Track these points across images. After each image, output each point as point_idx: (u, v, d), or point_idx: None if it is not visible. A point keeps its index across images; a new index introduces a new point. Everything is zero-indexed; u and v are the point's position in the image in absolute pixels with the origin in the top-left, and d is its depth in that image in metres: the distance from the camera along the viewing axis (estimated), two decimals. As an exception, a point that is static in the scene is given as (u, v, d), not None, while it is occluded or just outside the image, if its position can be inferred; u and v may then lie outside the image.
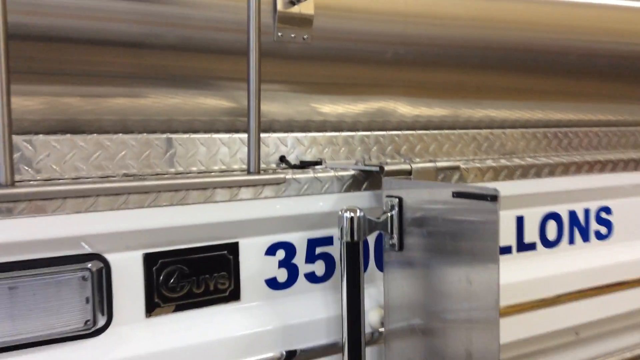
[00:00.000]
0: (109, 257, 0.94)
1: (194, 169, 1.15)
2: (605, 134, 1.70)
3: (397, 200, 1.04)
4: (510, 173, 1.36)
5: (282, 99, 1.29)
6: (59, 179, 1.00)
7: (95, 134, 1.06)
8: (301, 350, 1.10)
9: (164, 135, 1.13)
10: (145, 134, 1.11)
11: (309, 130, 1.33)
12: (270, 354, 1.06)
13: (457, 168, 1.22)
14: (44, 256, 0.88)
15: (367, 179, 1.16)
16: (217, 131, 1.21)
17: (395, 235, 1.04)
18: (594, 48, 1.64)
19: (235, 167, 1.19)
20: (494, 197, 0.88)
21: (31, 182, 0.96)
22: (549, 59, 1.58)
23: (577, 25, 1.61)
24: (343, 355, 1.06)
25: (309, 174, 1.12)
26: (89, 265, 0.91)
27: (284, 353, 1.08)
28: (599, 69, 1.68)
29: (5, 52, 0.84)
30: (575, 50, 1.61)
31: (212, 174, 1.11)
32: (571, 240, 1.48)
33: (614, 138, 1.68)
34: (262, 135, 1.19)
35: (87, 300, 0.91)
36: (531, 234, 1.41)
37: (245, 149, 1.14)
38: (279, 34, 1.24)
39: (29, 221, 0.87)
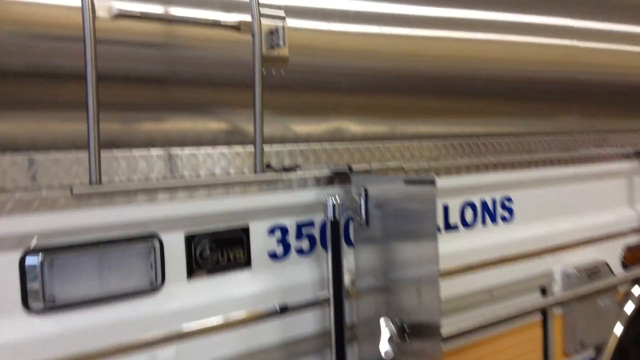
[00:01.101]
0: (162, 236, 1.29)
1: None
2: (506, 142, 2.20)
3: (363, 190, 1.46)
4: (437, 172, 1.80)
5: (265, 119, 1.68)
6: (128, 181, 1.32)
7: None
8: (292, 305, 1.48)
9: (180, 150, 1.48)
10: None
11: (285, 143, 1.71)
12: (271, 306, 1.44)
13: (402, 168, 1.66)
14: (122, 235, 1.23)
15: (337, 177, 1.57)
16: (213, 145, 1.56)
17: (363, 216, 1.46)
18: (496, 75, 2.13)
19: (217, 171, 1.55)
20: (432, 181, 1.31)
21: (109, 182, 1.29)
22: (461, 86, 2.05)
23: (483, 57, 2.09)
24: (329, 306, 1.46)
25: (296, 174, 1.52)
26: (151, 242, 1.27)
27: (280, 306, 1.46)
28: (499, 92, 2.18)
29: (93, 64, 1.16)
30: (481, 78, 2.09)
31: (228, 176, 1.48)
32: (483, 223, 1.94)
33: (512, 145, 2.18)
34: (248, 148, 1.56)
35: (151, 266, 1.26)
36: (454, 218, 1.87)
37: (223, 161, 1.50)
38: (263, 70, 1.63)
39: (112, 210, 1.21)
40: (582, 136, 2.42)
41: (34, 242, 1.13)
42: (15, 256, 1.12)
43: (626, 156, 2.40)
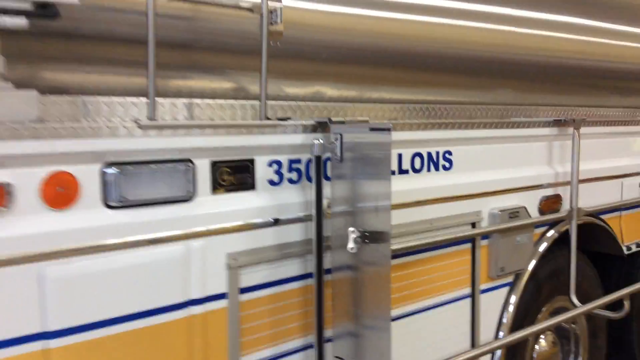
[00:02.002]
0: (195, 161, 1.79)
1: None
2: (450, 108, 2.73)
3: (339, 135, 1.97)
4: (394, 128, 2.33)
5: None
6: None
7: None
8: (283, 219, 1.99)
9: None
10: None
11: (277, 100, 2.20)
12: (268, 218, 1.95)
13: (367, 121, 2.18)
14: (169, 157, 1.72)
15: (319, 126, 2.08)
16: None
17: (338, 154, 1.98)
18: (445, 54, 2.65)
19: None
20: (388, 128, 1.83)
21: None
22: (417, 61, 2.56)
23: (435, 38, 2.59)
24: (312, 221, 1.98)
25: (288, 123, 2.02)
26: (188, 164, 1.76)
27: (274, 219, 1.97)
28: (447, 68, 2.70)
29: (153, 31, 1.62)
30: (433, 55, 2.61)
31: (241, 121, 1.96)
32: (428, 169, 2.48)
33: (455, 111, 2.70)
34: (250, 102, 2.03)
35: (188, 181, 1.75)
36: (406, 165, 2.41)
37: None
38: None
39: (162, 139, 1.70)
40: (513, 107, 2.99)
41: (108, 158, 1.62)
42: (97, 167, 1.60)
43: (547, 124, 2.98)
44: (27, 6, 1.46)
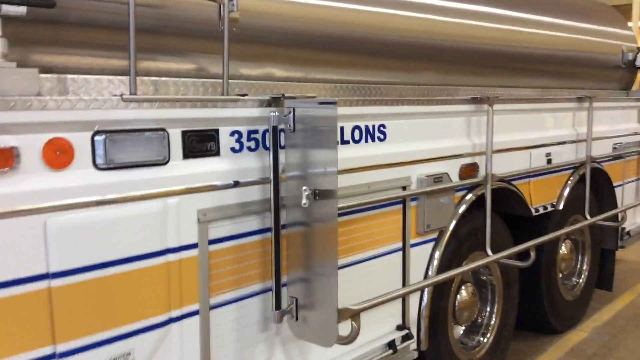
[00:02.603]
0: (169, 130, 2.07)
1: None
2: (384, 88, 3.11)
3: (292, 109, 2.30)
4: (337, 103, 2.67)
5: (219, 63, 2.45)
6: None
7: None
8: (243, 181, 2.31)
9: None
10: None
11: (234, 79, 2.50)
12: (230, 181, 2.26)
13: (315, 97, 2.52)
14: (147, 127, 1.99)
15: (274, 101, 2.40)
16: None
17: (291, 125, 2.30)
18: (379, 39, 3.02)
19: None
20: (334, 102, 2.18)
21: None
22: (355, 46, 2.92)
23: (371, 25, 2.96)
24: (271, 184, 2.30)
25: (249, 98, 2.33)
26: (163, 133, 2.04)
27: (234, 181, 2.28)
28: (381, 52, 3.07)
29: (133, 20, 1.91)
30: (369, 41, 2.97)
31: (207, 96, 2.24)
32: (366, 141, 2.85)
33: (389, 90, 3.08)
34: (210, 79, 2.32)
35: (164, 147, 2.03)
36: (347, 136, 2.77)
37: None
38: (221, 27, 2.39)
39: (141, 111, 1.97)
40: (437, 87, 3.41)
41: (97, 127, 1.88)
42: (89, 134, 1.86)
43: (465, 101, 3.41)
44: (28, -5, 1.69)
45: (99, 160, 1.89)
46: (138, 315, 1.98)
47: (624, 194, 5.38)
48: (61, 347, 1.80)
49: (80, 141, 1.84)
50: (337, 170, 2.24)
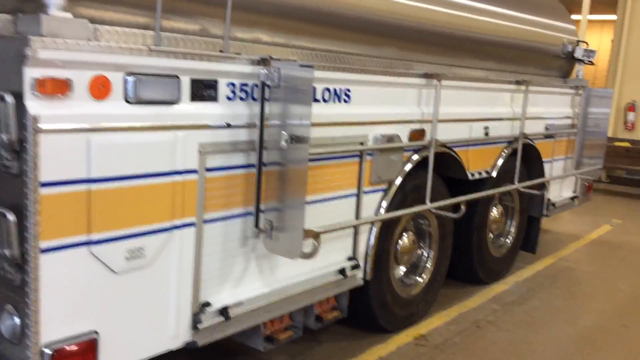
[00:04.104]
0: (181, 77, 2.60)
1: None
2: (351, 57, 3.68)
3: (278, 68, 2.86)
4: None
5: (218, 25, 2.97)
6: None
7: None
8: (234, 124, 2.86)
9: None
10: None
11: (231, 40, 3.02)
12: (223, 123, 2.81)
13: (296, 60, 3.09)
14: (167, 72, 2.52)
15: (262, 62, 2.94)
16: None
17: (277, 82, 2.86)
18: (350, 14, 3.59)
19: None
20: (311, 66, 2.75)
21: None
22: (329, 18, 3.48)
23: (344, 3, 3.54)
24: (257, 128, 2.87)
25: (243, 56, 2.87)
26: (176, 79, 2.57)
27: (227, 123, 2.83)
28: (350, 26, 3.65)
29: None
30: (341, 16, 3.54)
31: (212, 51, 2.78)
32: (334, 101, 3.43)
33: (355, 60, 3.67)
34: (211, 38, 2.86)
35: (177, 90, 2.57)
36: (318, 96, 3.34)
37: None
38: (223, -4, 2.91)
39: (164, 60, 2.49)
40: (397, 60, 4.02)
41: (130, 69, 2.40)
42: (122, 74, 2.38)
43: (418, 75, 4.03)
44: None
45: (129, 96, 2.41)
46: (150, 219, 2.53)
47: (553, 170, 6.15)
48: (94, 236, 2.34)
49: (116, 79, 2.36)
50: (310, 122, 2.82)
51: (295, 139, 2.85)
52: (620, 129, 11.47)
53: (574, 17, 10.19)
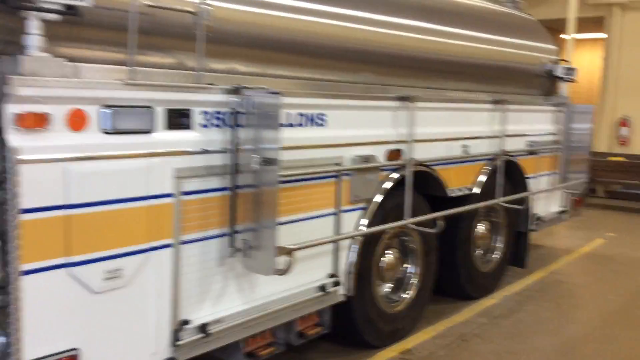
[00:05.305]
0: (155, 108, 2.79)
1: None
2: (326, 84, 3.87)
3: (248, 96, 3.05)
4: (286, 94, 3.43)
5: (192, 58, 3.17)
6: None
7: None
8: (210, 149, 3.04)
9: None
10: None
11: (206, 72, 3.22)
12: (198, 148, 2.99)
13: (264, 88, 3.28)
14: (139, 104, 2.71)
15: (234, 91, 3.13)
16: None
17: (248, 109, 3.05)
18: (326, 44, 3.79)
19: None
20: (278, 93, 2.94)
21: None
22: (306, 47, 3.68)
23: (323, 33, 3.74)
24: (230, 153, 3.05)
25: (216, 87, 3.06)
26: (151, 110, 2.76)
27: (202, 149, 3.01)
28: (326, 54, 3.85)
29: (135, 23, 2.64)
30: (315, 45, 3.74)
31: (185, 83, 2.98)
32: (305, 125, 3.61)
33: (329, 86, 3.86)
34: (185, 71, 3.06)
35: (151, 120, 2.75)
36: (295, 120, 3.52)
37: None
38: (197, 31, 3.12)
39: (136, 92, 2.69)
40: (372, 85, 4.21)
41: (105, 102, 2.59)
42: (97, 107, 2.58)
43: (393, 98, 4.21)
44: (60, 7, 2.40)
45: (105, 126, 2.60)
46: (128, 241, 2.70)
47: (540, 185, 6.28)
48: (74, 258, 2.51)
49: (92, 112, 2.56)
50: (279, 145, 3.00)
51: (266, 162, 3.03)
52: (615, 144, 11.59)
53: (564, 36, 10.45)
